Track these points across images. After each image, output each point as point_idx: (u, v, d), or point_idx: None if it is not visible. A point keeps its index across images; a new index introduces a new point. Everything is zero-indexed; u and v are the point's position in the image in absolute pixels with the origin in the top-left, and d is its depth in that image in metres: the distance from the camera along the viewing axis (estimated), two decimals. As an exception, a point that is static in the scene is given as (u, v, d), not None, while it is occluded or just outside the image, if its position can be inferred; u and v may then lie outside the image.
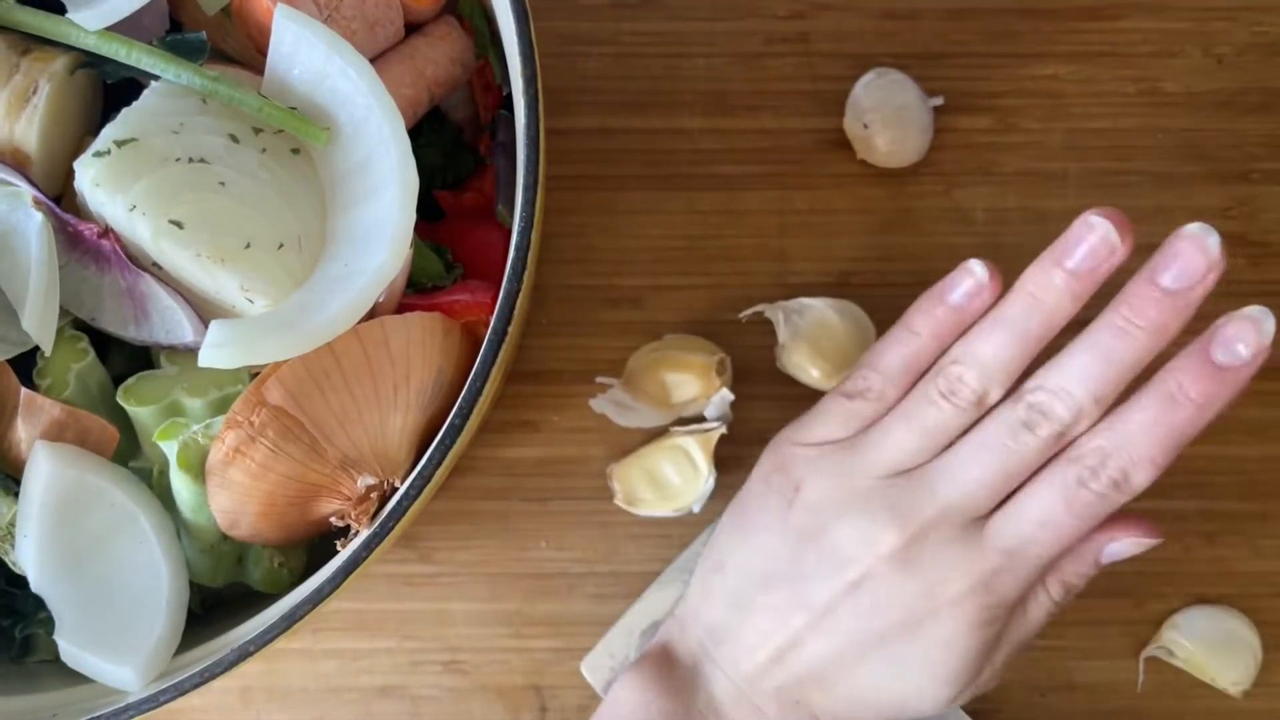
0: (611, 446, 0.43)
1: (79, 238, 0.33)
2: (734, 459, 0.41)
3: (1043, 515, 0.31)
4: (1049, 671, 0.42)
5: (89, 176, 0.32)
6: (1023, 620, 0.34)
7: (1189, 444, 0.31)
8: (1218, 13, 0.44)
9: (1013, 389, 0.32)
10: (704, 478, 0.40)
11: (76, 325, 0.35)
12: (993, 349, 0.32)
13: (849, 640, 0.33)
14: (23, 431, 0.34)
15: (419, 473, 0.30)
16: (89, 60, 0.34)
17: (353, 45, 0.32)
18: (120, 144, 0.32)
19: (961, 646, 0.32)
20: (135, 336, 0.34)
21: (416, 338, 0.33)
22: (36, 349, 0.34)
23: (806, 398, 0.38)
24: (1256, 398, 0.42)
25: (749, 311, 0.42)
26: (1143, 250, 0.43)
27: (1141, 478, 0.31)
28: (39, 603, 0.34)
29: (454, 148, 0.40)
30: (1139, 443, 0.30)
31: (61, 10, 0.34)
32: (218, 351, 0.31)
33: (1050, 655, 0.42)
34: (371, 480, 0.34)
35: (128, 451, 0.35)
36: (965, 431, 0.33)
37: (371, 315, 0.33)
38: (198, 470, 0.33)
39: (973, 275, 0.34)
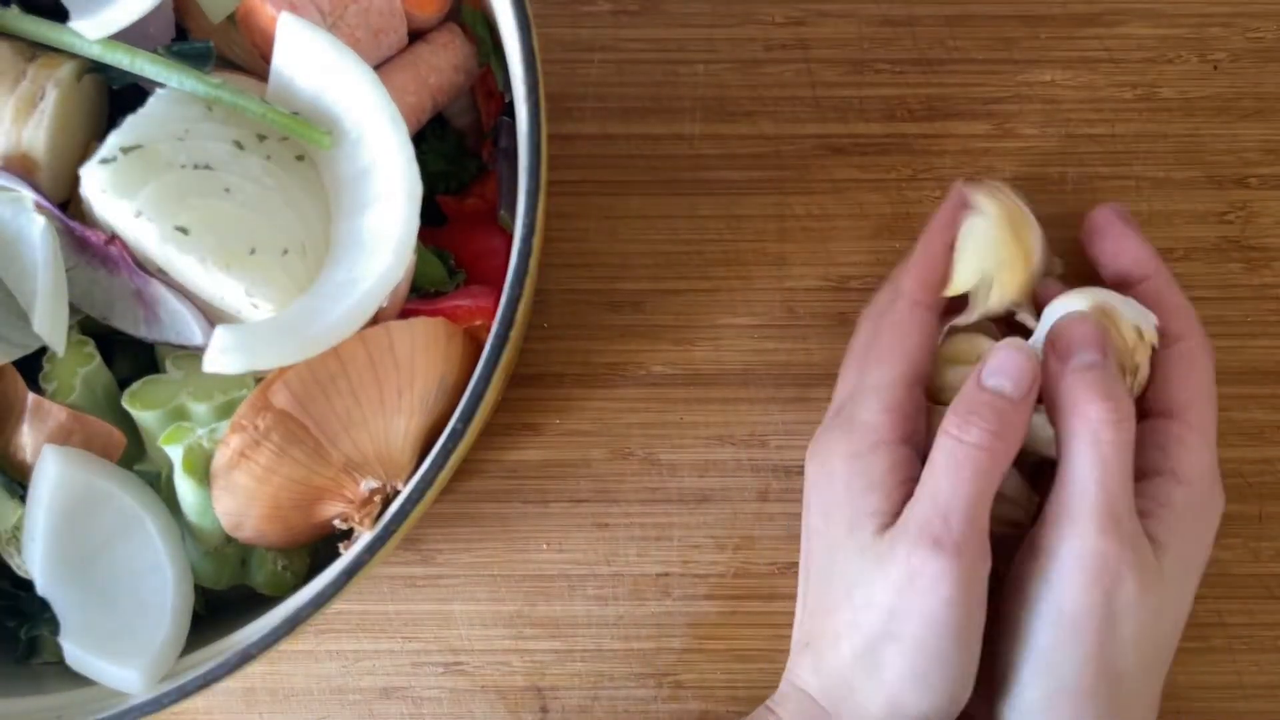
0: (612, 448, 0.43)
1: (85, 242, 0.33)
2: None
3: None
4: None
5: (95, 183, 0.32)
6: None
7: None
8: (1214, 19, 0.44)
9: None
10: None
11: (84, 329, 0.35)
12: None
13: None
14: (30, 436, 0.34)
15: (422, 476, 0.31)
16: (95, 66, 0.34)
17: (356, 52, 0.33)
18: (126, 150, 0.32)
19: None
20: (147, 336, 0.34)
21: (421, 343, 0.34)
22: (40, 353, 0.35)
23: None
24: (1254, 401, 0.43)
25: None
26: (1140, 254, 0.43)
27: None
28: (44, 605, 0.34)
29: (457, 154, 0.40)
30: None
31: (65, 16, 0.34)
32: (223, 357, 0.31)
33: (1048, 657, 0.42)
34: (375, 483, 0.34)
35: (134, 455, 0.36)
36: None
37: (375, 321, 0.33)
38: (202, 474, 0.34)
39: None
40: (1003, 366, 0.33)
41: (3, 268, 0.33)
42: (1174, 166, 0.44)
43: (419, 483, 0.31)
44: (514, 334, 0.31)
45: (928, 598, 0.32)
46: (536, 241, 0.31)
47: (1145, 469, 0.34)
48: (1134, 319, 0.35)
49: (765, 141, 0.44)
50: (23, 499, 0.34)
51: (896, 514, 0.33)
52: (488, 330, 0.31)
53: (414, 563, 0.43)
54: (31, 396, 0.34)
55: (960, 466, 0.32)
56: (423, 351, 0.34)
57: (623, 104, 0.44)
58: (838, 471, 0.35)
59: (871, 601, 0.33)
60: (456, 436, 0.30)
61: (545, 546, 0.43)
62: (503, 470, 0.43)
